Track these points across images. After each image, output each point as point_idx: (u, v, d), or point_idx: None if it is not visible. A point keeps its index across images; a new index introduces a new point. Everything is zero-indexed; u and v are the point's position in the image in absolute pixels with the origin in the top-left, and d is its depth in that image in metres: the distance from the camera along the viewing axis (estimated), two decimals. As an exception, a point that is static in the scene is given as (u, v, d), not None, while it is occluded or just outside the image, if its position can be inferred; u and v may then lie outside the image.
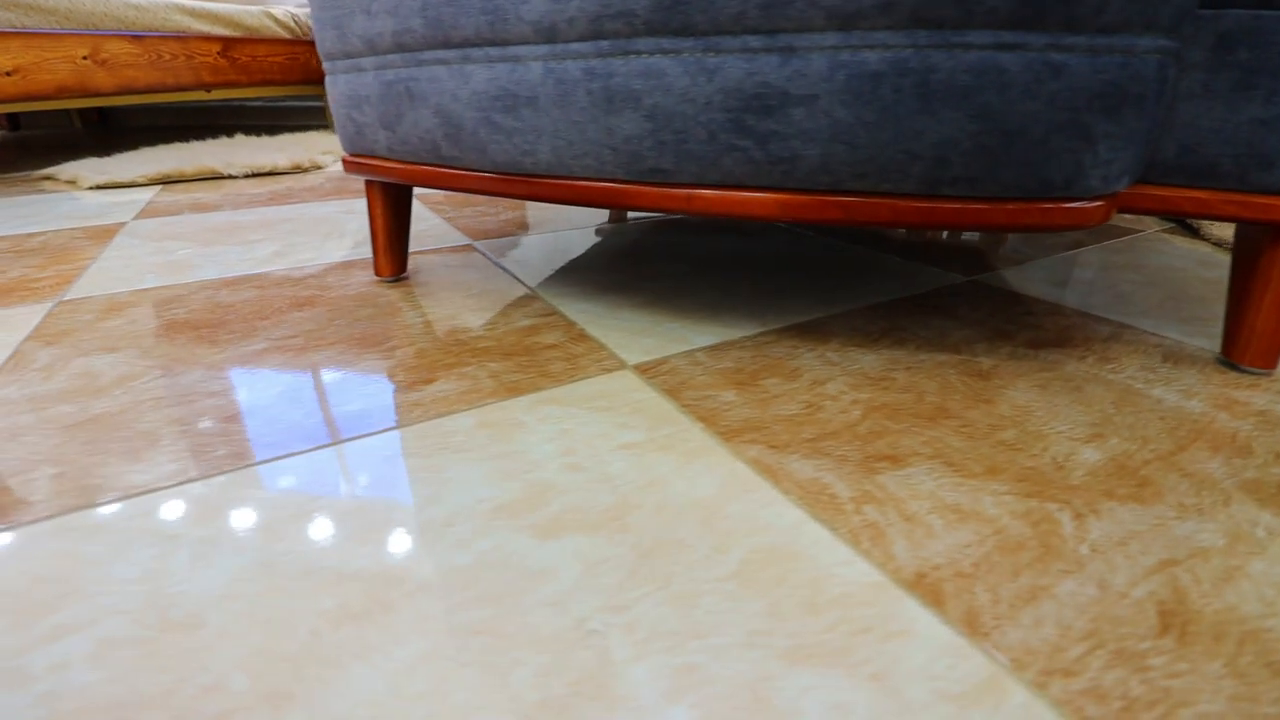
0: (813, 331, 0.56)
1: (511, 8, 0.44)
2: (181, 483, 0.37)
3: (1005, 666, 0.26)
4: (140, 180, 1.21)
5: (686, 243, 0.84)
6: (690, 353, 0.52)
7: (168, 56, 1.46)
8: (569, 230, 0.91)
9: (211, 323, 0.60)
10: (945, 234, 0.90)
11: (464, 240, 0.87)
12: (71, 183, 1.24)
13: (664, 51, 0.41)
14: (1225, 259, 0.78)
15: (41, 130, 2.28)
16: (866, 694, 0.24)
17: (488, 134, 0.49)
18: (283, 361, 0.52)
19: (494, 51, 0.46)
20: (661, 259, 0.77)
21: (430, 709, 0.24)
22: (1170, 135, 0.44)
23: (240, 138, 1.69)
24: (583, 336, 0.55)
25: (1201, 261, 0.77)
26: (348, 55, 0.56)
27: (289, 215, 1.02)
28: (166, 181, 1.25)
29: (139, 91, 1.42)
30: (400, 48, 0.51)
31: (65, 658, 0.26)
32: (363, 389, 0.47)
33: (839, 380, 0.48)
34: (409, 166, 0.58)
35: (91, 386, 0.48)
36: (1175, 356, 0.52)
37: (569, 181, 0.49)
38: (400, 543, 0.32)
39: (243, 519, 0.34)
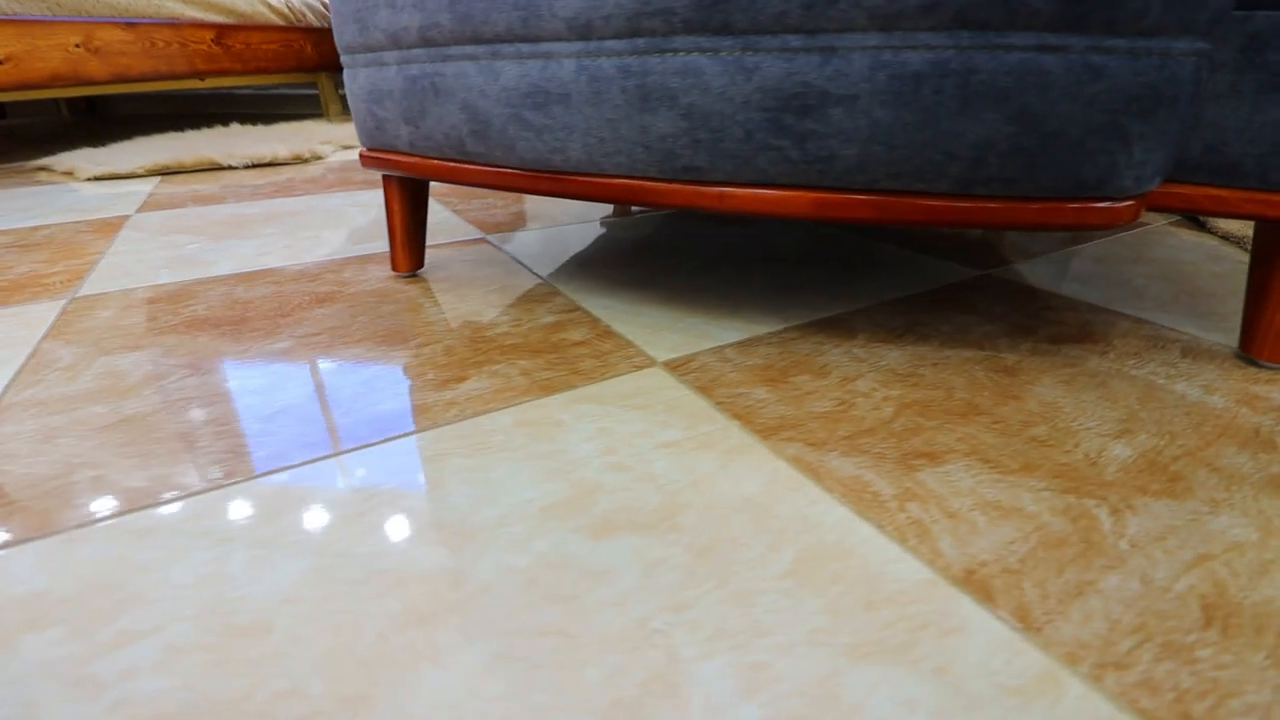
0: (836, 327, 0.57)
1: (545, 4, 0.43)
2: (225, 484, 0.37)
3: (1060, 660, 0.26)
4: (139, 171, 1.19)
5: (696, 236, 0.84)
6: (718, 349, 0.53)
7: (161, 44, 1.44)
8: (578, 224, 0.91)
9: (232, 319, 0.59)
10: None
11: (476, 234, 0.87)
12: (69, 174, 1.21)
13: (702, 50, 0.41)
14: (1232, 252, 0.79)
15: (29, 119, 2.23)
16: (931, 689, 0.25)
17: (517, 131, 0.49)
18: (310, 360, 0.51)
19: (525, 48, 0.46)
20: (675, 253, 0.77)
21: (508, 710, 0.24)
22: (1196, 134, 0.45)
23: (236, 127, 1.66)
24: (608, 333, 0.56)
25: (1210, 255, 0.78)
26: (369, 49, 0.56)
27: (295, 208, 1.01)
28: (166, 173, 1.23)
29: (133, 80, 1.39)
30: (426, 42, 0.51)
31: (134, 665, 0.26)
32: (395, 387, 0.47)
33: (868, 377, 0.48)
34: (431, 162, 0.58)
35: (119, 386, 0.47)
36: (1194, 352, 0.53)
37: (599, 179, 0.49)
38: (457, 544, 0.32)
39: (294, 521, 0.34)
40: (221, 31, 1.60)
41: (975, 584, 0.30)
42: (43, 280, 0.69)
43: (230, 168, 1.30)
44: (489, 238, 0.85)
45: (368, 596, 0.29)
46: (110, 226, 0.90)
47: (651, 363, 0.51)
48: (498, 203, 1.05)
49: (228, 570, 0.31)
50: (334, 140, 1.55)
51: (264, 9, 1.72)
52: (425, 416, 0.43)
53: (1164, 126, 0.39)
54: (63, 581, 0.30)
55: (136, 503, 0.35)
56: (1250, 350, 0.51)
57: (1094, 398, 0.46)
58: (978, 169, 0.40)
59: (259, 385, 0.48)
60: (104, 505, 0.35)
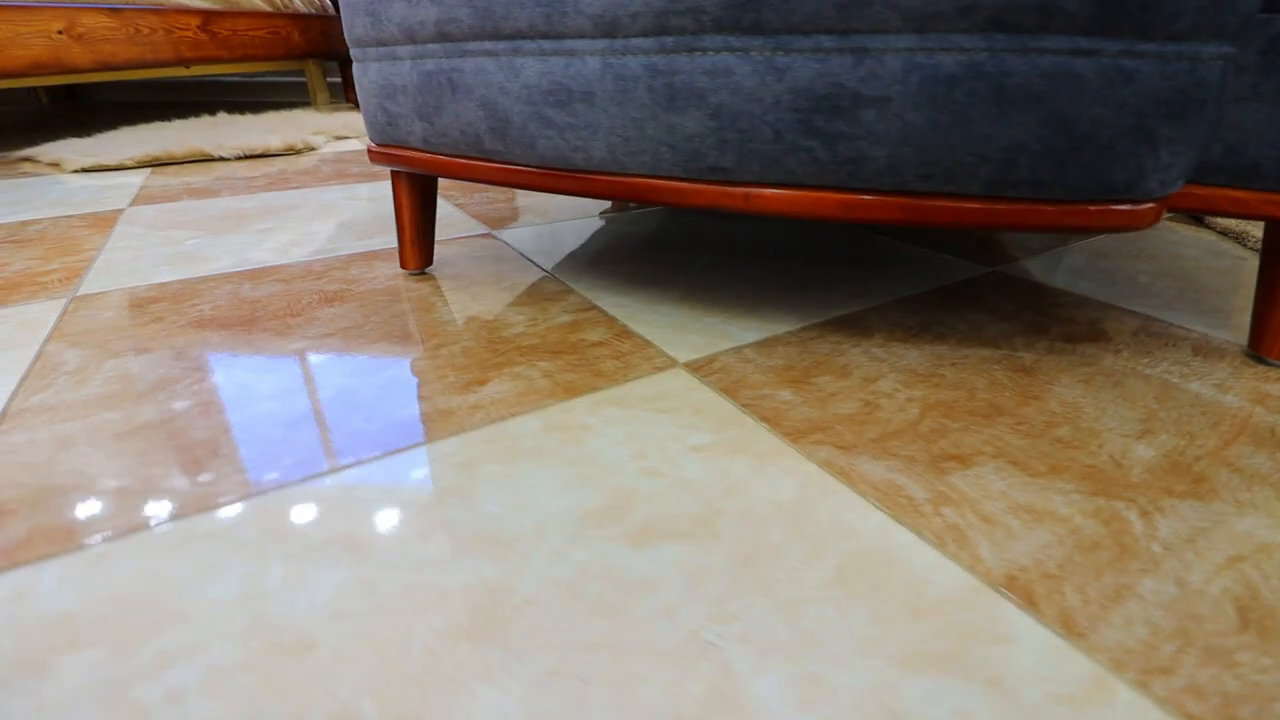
0: (853, 326, 0.57)
1: (570, 1, 0.42)
2: (253, 494, 0.36)
3: (1107, 667, 0.27)
4: (128, 163, 1.16)
5: (701, 230, 0.84)
6: (737, 349, 0.53)
7: (146, 30, 1.40)
8: (582, 218, 0.90)
9: (241, 320, 0.58)
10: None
11: (481, 229, 0.85)
12: (55, 165, 1.18)
13: (732, 49, 0.40)
14: (1230, 248, 0.80)
15: (6, 107, 2.17)
16: (985, 699, 0.25)
17: (537, 128, 0.48)
18: (326, 362, 0.51)
19: (548, 45, 0.45)
20: (682, 249, 0.77)
21: (566, 726, 0.24)
22: (1217, 136, 0.45)
23: (224, 116, 1.62)
24: (626, 333, 0.55)
25: (1209, 251, 0.79)
26: (381, 43, 0.54)
27: (293, 201, 0.99)
28: (155, 164, 1.20)
29: (117, 68, 1.35)
30: (443, 37, 0.50)
31: (178, 687, 0.26)
32: (417, 390, 0.46)
33: (890, 378, 0.48)
34: (446, 159, 0.57)
35: (131, 391, 0.46)
36: (1204, 350, 0.54)
37: (621, 178, 0.48)
38: (497, 554, 0.32)
39: (326, 532, 0.33)
40: (207, 18, 1.56)
41: (1017, 589, 0.30)
42: (40, 278, 0.67)
43: (222, 159, 1.27)
44: (495, 233, 0.84)
45: (412, 611, 0.29)
46: (104, 221, 0.87)
47: (673, 363, 0.50)
48: (499, 196, 1.03)
49: (266, 585, 0.30)
50: (326, 130, 1.52)
51: (250, -6, 1.68)
52: (451, 421, 0.43)
53: (1191, 130, 0.39)
54: (94, 600, 0.29)
55: (161, 514, 0.35)
56: (1260, 349, 0.52)
57: (1112, 397, 0.46)
58: (1008, 171, 0.40)
59: (276, 389, 0.47)
60: (129, 518, 0.34)
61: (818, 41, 0.38)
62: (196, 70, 1.63)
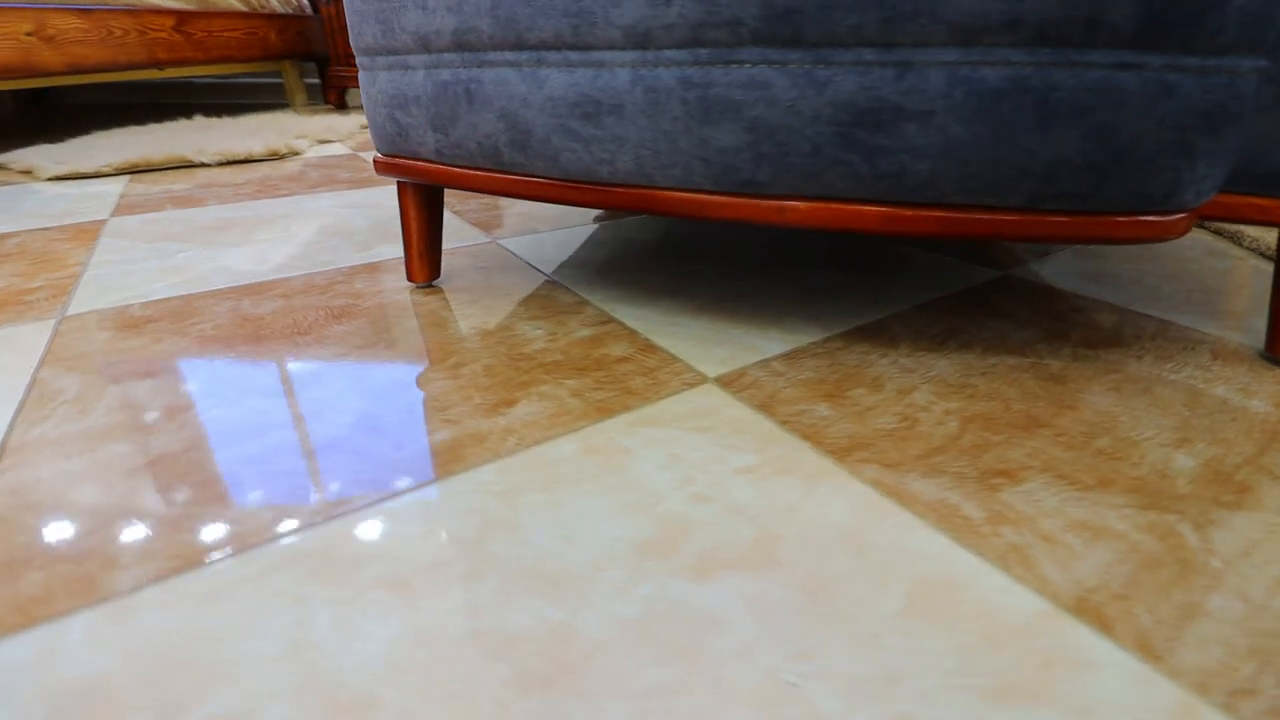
0: (877, 335, 0.56)
1: (601, 11, 0.41)
2: (285, 534, 0.34)
3: (1192, 691, 0.26)
4: (105, 170, 1.11)
5: (704, 237, 0.83)
6: (765, 362, 0.52)
7: (119, 32, 1.34)
8: (583, 225, 0.89)
9: (246, 339, 0.56)
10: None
11: (483, 238, 0.84)
12: (27, 173, 1.13)
13: (770, 62, 0.39)
14: (1227, 247, 0.82)
15: (-39, 109, 2.07)
16: (1078, 733, 0.25)
17: (561, 141, 0.47)
18: (343, 384, 0.49)
19: (574, 56, 0.44)
20: (691, 257, 0.76)
21: (657, 782, 0.23)
22: (1244, 146, 0.46)
23: (201, 119, 1.57)
24: (650, 347, 0.54)
25: (1208, 251, 0.80)
26: (392, 51, 0.53)
27: (284, 210, 0.96)
28: (134, 171, 1.16)
29: (89, 70, 1.30)
30: (461, 47, 0.48)
31: (234, 748, 0.24)
32: (443, 414, 0.45)
33: (923, 390, 0.48)
34: (460, 170, 0.55)
35: (139, 421, 0.44)
36: (1222, 354, 0.54)
37: (649, 191, 0.47)
38: (555, 594, 0.30)
39: (370, 573, 0.32)
40: (182, 18, 1.51)
41: (1089, 612, 0.30)
42: (24, 297, 0.64)
43: (203, 165, 1.23)
44: (499, 241, 0.82)
45: (475, 660, 0.27)
46: (86, 233, 0.83)
47: (702, 379, 0.49)
48: (496, 202, 1.01)
49: (314, 635, 0.28)
50: (309, 134, 1.48)
51: (225, -6, 1.62)
52: (484, 447, 0.41)
53: (1227, 142, 0.40)
54: (129, 659, 0.28)
55: (191, 559, 0.33)
56: (1276, 352, 0.53)
57: (1144, 405, 0.47)
58: (1049, 185, 0.39)
59: (292, 416, 0.45)
60: (155, 564, 0.32)
61: (859, 54, 0.38)
62: (171, 72, 1.58)
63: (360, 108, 2.22)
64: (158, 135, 1.36)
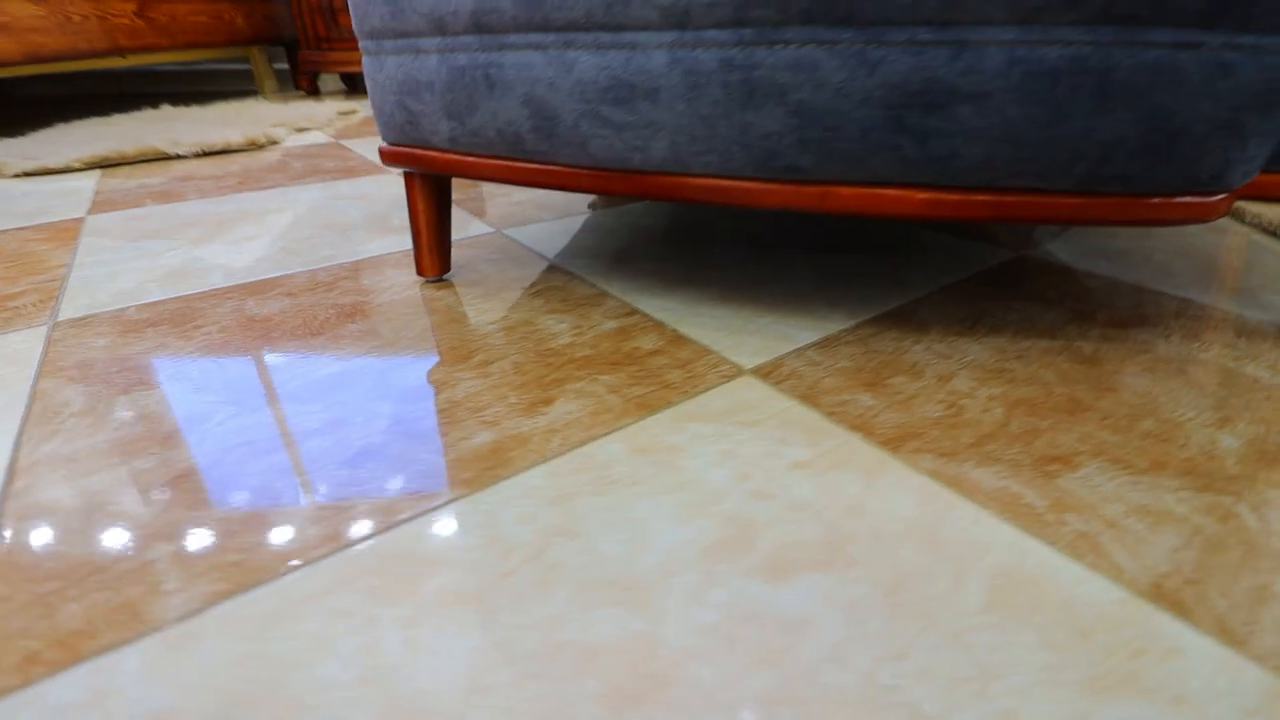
0: (906, 320, 0.56)
1: (639, -10, 0.39)
2: (337, 549, 0.33)
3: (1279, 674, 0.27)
4: (75, 165, 1.06)
5: (710, 222, 0.82)
6: (800, 351, 0.51)
7: (77, 18, 1.27)
8: (585, 213, 0.87)
9: (256, 342, 0.53)
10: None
11: (486, 228, 0.81)
12: (-11, 170, 1.07)
13: (819, 42, 0.38)
14: (1229, 223, 0.83)
15: (-96, 99, 1.95)
16: (1183, 725, 0.25)
17: (591, 128, 0.45)
18: (368, 387, 0.47)
19: (606, 37, 0.42)
20: (702, 242, 0.74)
21: (773, 798, 0.22)
22: (1277, 122, 0.46)
23: (169, 109, 1.50)
24: (680, 339, 0.53)
25: (1211, 226, 0.81)
26: (402, 34, 0.50)
27: (272, 203, 0.92)
28: (105, 165, 1.10)
29: (47, 60, 1.23)
30: (480, 29, 0.46)
31: (319, 784, 0.23)
32: (479, 415, 0.43)
33: (962, 376, 0.48)
34: (476, 160, 0.53)
35: (157, 433, 0.42)
36: (1245, 331, 0.55)
37: (683, 179, 0.46)
38: (632, 601, 0.29)
39: (436, 588, 0.30)
40: (144, 3, 1.43)
41: (1166, 599, 0.30)
42: (9, 303, 0.60)
43: (178, 157, 1.17)
44: (504, 231, 0.79)
45: (561, 677, 0.26)
46: (64, 232, 0.79)
47: (739, 371, 0.48)
48: (494, 190, 0.99)
49: (388, 657, 0.27)
50: (286, 122, 1.42)
51: (189, -26, 1.55)
52: (529, 449, 0.40)
53: (1277, 122, 0.39)
54: (192, 694, 0.26)
55: (241, 581, 0.31)
56: (1297, 328, 0.53)
57: (1179, 385, 0.47)
58: (1101, 167, 0.39)
59: (321, 422, 0.43)
60: (201, 588, 0.30)
61: (914, 34, 0.36)
62: (133, 60, 1.50)
63: (336, 93, 2.15)
64: (125, 126, 1.29)
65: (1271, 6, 0.35)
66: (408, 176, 0.60)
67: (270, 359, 0.50)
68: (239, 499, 0.36)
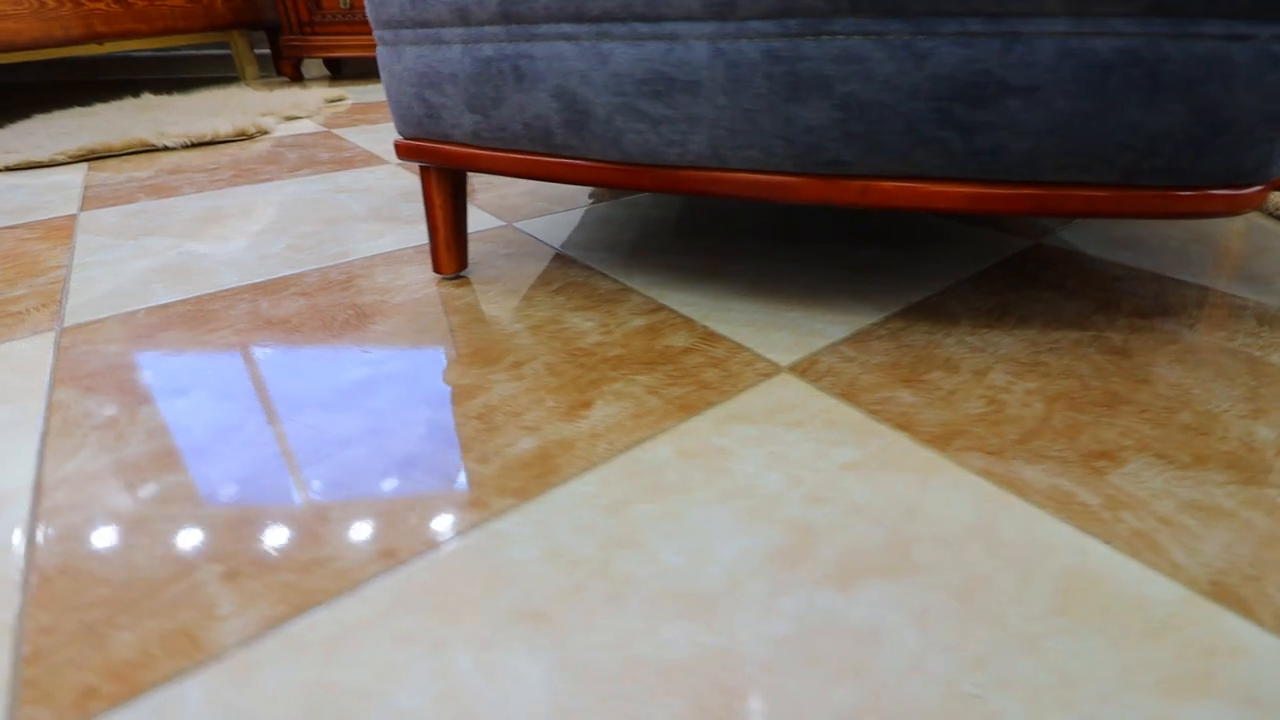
0: (934, 313, 0.56)
1: (680, -20, 0.38)
2: (392, 567, 0.32)
3: (1351, 674, 0.27)
4: (60, 158, 1.02)
5: (721, 212, 0.81)
6: (833, 347, 0.51)
7: (52, 5, 1.22)
8: (593, 204, 0.85)
9: (276, 344, 0.52)
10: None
11: (497, 221, 0.80)
12: (-31, 164, 1.02)
13: (866, 33, 0.37)
14: (1233, 208, 0.84)
15: None
16: (1263, 726, 0.25)
17: (626, 122, 0.44)
18: (399, 391, 0.46)
19: (643, 28, 0.41)
20: (716, 234, 0.73)
21: (872, 815, 0.22)
22: (1311, 112, 0.46)
23: (150, 98, 1.45)
24: (711, 336, 0.52)
25: (1218, 213, 0.82)
26: (423, 24, 0.48)
27: (272, 196, 0.89)
28: (92, 158, 1.06)
29: (22, 48, 1.18)
30: (508, 19, 0.44)
31: (409, 815, 0.22)
32: (519, 420, 0.42)
33: (998, 370, 0.48)
34: (500, 154, 0.51)
35: (190, 445, 0.40)
36: (1266, 319, 0.55)
37: (720, 174, 0.45)
38: (702, 615, 0.29)
39: (500, 606, 0.30)
40: (120, -16, 1.37)
41: (1227, 596, 0.30)
42: (9, 307, 0.58)
43: (166, 148, 1.13)
44: (515, 225, 0.78)
45: (643, 697, 0.26)
46: (58, 230, 0.76)
47: (776, 368, 0.48)
48: (496, 182, 0.97)
49: (462, 682, 0.26)
50: (274, 111, 1.38)
51: (166, -45, 1.49)
52: (575, 454, 0.39)
53: (1317, 110, 0.39)
54: None
55: (297, 604, 0.30)
56: (1317, 315, 0.54)
57: (1210, 376, 0.47)
58: (1146, 159, 0.38)
59: (357, 430, 0.42)
60: (258, 612, 0.30)
61: (964, 25, 0.36)
62: (110, 47, 1.45)
63: (320, 79, 2.09)
64: (108, 117, 1.25)
65: (1326, -3, 0.34)
66: (424, 171, 0.59)
67: (294, 364, 0.49)
68: (282, 514, 0.35)
